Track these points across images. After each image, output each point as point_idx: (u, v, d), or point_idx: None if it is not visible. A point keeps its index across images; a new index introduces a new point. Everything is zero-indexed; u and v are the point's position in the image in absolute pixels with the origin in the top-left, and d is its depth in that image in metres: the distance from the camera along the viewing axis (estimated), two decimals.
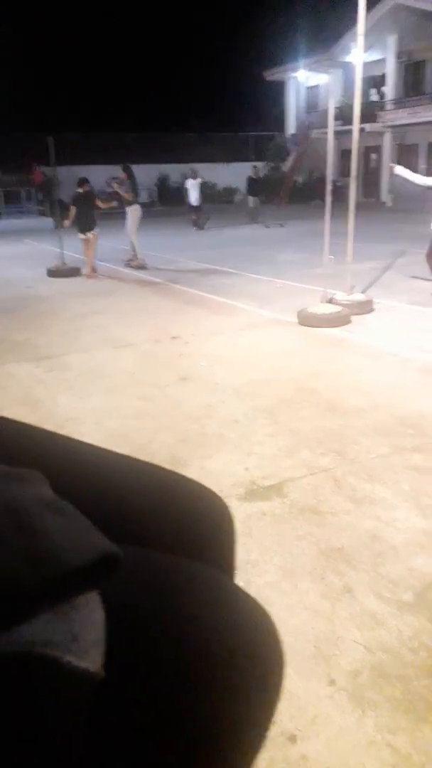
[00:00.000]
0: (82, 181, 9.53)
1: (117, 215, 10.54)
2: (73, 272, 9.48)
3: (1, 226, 20.78)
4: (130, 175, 9.70)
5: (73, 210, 9.40)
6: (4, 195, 25.43)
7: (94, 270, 9.34)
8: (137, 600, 0.56)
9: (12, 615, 0.40)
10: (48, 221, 18.70)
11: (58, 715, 0.44)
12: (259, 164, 23.26)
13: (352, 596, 2.01)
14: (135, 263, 9.98)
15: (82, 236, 9.42)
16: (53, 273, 9.45)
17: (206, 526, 0.78)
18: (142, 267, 9.88)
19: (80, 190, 9.42)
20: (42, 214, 21.47)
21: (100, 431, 3.41)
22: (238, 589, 0.64)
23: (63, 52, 51.86)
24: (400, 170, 7.19)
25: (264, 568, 2.16)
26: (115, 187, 10.02)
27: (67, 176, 26.23)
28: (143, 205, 10.66)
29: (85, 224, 9.34)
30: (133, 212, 9.77)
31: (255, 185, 18.10)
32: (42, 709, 0.44)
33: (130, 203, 9.72)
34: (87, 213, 9.39)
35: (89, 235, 9.34)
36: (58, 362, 4.82)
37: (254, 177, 18.29)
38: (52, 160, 10.07)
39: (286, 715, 1.54)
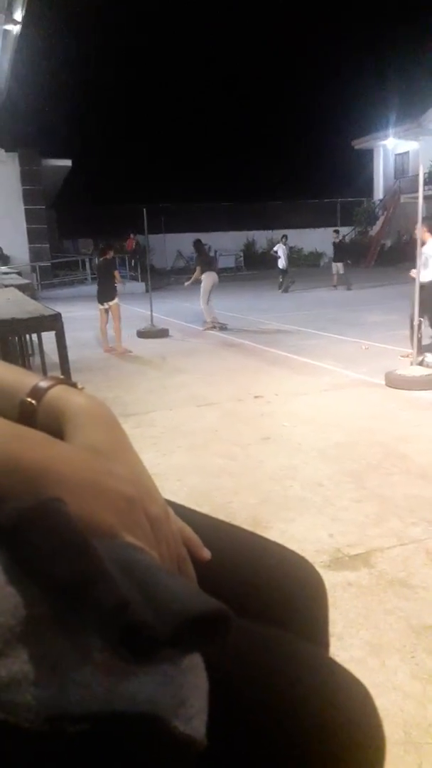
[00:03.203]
0: (105, 250, 8.91)
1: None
2: (161, 333, 9.80)
3: (96, 291, 21.88)
4: (199, 250, 11.00)
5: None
6: None
7: (112, 344, 8.60)
8: (234, 672, 0.53)
9: (146, 654, 0.41)
10: (139, 285, 19.55)
11: None
12: (343, 229, 23.36)
13: None
14: (209, 324, 10.47)
15: (100, 307, 8.85)
16: (142, 334, 9.78)
17: (301, 597, 0.74)
18: (221, 327, 10.31)
19: (101, 259, 9.05)
20: (134, 279, 22.49)
21: (183, 488, 3.41)
22: (342, 669, 0.61)
23: (157, 133, 55.76)
24: None
25: (349, 642, 2.04)
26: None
27: (161, 243, 27.66)
28: (228, 270, 11.21)
29: (102, 295, 8.84)
30: (205, 279, 10.60)
31: (338, 250, 18.15)
32: None
33: (202, 272, 10.64)
34: (106, 283, 8.90)
35: (106, 306, 8.76)
36: (144, 419, 4.91)
37: (336, 242, 18.38)
38: (145, 228, 10.65)
39: None
